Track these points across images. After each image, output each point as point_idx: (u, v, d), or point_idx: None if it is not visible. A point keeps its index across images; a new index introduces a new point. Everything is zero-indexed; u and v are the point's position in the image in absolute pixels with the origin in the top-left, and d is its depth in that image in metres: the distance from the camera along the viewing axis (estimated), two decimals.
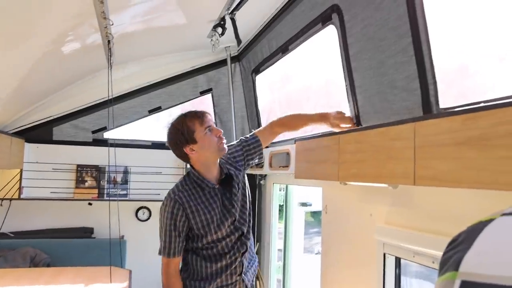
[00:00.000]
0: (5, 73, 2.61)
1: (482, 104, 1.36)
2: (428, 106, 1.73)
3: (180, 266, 1.97)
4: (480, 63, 1.78)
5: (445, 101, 1.71)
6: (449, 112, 1.43)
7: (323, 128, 2.36)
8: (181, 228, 1.86)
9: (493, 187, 1.16)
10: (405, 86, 1.83)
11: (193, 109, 1.93)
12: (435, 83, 1.71)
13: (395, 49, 1.85)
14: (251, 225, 2.04)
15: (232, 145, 2.12)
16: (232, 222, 1.92)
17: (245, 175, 2.10)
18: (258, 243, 3.91)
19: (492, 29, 1.64)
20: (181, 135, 1.83)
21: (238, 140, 2.16)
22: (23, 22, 2.12)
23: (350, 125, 2.12)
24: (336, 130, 2.12)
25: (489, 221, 0.63)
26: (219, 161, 1.96)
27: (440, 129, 1.36)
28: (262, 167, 2.85)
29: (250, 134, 2.21)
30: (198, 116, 1.85)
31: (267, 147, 3.67)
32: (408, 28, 1.75)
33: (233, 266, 1.96)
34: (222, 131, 1.92)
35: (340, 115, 2.15)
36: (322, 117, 2.16)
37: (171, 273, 1.90)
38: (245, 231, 1.97)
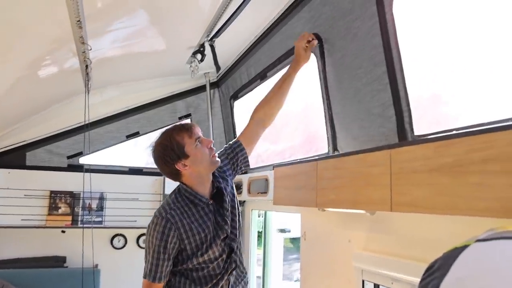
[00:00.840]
0: None
1: (454, 132, 1.40)
2: (403, 133, 1.77)
3: None
4: (451, 91, 1.84)
5: (419, 128, 1.75)
6: (423, 139, 1.46)
7: (302, 150, 2.37)
8: (171, 251, 1.71)
9: (467, 213, 1.18)
10: (381, 113, 1.87)
11: (180, 124, 1.83)
12: (409, 110, 1.76)
13: (371, 77, 1.90)
14: (240, 240, 1.92)
15: (218, 153, 1.96)
16: (223, 239, 1.79)
17: (233, 185, 1.98)
18: None
19: (462, 58, 1.71)
20: (171, 151, 1.70)
21: (223, 149, 2.04)
22: (0, 47, 2.09)
23: (312, 38, 2.05)
24: (308, 52, 2.04)
25: (464, 247, 0.64)
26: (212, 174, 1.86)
27: (415, 156, 1.39)
28: (246, 172, 2.77)
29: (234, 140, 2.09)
30: (186, 128, 1.74)
31: (245, 172, 3.67)
32: (383, 58, 1.80)
33: (219, 286, 1.83)
34: (213, 140, 1.82)
35: (301, 39, 2.05)
36: (293, 62, 2.06)
37: None
38: (235, 247, 1.84)
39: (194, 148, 1.72)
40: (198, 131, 1.77)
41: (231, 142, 2.07)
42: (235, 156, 1.99)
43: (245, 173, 3.69)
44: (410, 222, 1.72)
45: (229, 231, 1.82)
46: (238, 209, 1.92)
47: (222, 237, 1.79)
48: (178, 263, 1.79)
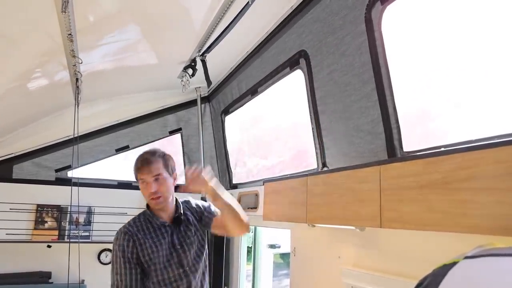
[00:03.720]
0: None
1: (442, 149, 1.41)
2: (393, 149, 1.78)
3: None
4: (439, 108, 1.86)
5: (408, 144, 1.77)
6: (412, 156, 1.47)
7: (293, 166, 2.37)
8: (135, 260, 1.80)
9: (455, 230, 1.18)
10: (370, 130, 1.89)
11: (148, 151, 1.93)
12: (398, 127, 1.78)
13: (359, 94, 1.92)
14: (206, 281, 1.98)
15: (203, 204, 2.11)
16: (181, 266, 1.86)
17: (205, 235, 2.04)
18: (226, 287, 3.80)
19: (450, 76, 1.74)
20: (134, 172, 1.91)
21: (203, 206, 2.10)
22: None
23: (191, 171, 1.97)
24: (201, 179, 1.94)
25: (453, 264, 0.64)
26: (177, 202, 1.99)
27: (404, 172, 1.40)
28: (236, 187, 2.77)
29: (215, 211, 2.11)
30: (137, 167, 1.87)
31: (235, 187, 3.65)
32: (371, 75, 1.83)
33: None
34: (154, 190, 1.84)
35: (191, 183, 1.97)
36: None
37: None
38: (192, 283, 1.88)
39: (140, 184, 1.88)
40: (148, 174, 1.83)
41: (208, 213, 2.08)
42: (204, 222, 2.04)
43: (235, 187, 3.68)
44: (399, 239, 1.73)
45: (189, 261, 1.89)
46: (205, 255, 1.99)
47: (178, 261, 1.86)
48: (144, 278, 1.84)
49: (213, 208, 2.10)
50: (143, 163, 1.87)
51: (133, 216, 1.98)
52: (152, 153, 1.90)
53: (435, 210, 1.25)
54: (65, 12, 1.77)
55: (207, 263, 2.01)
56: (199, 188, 1.93)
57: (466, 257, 0.65)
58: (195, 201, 2.12)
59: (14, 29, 1.93)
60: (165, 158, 1.93)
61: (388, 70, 1.78)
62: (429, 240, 1.54)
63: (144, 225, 1.89)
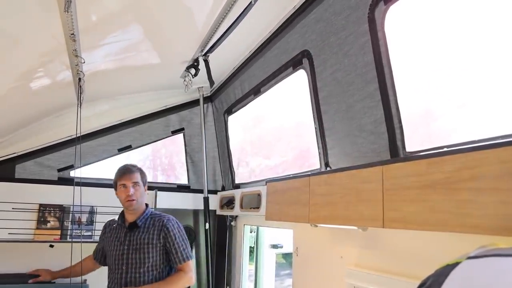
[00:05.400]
0: None
1: (445, 149, 1.41)
2: (395, 150, 1.78)
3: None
4: (443, 108, 1.86)
5: (411, 145, 1.76)
6: (415, 156, 1.47)
7: (296, 166, 2.38)
8: (100, 240, 2.61)
9: (457, 230, 1.18)
10: (373, 130, 1.89)
11: (128, 164, 2.41)
12: (401, 127, 1.77)
13: (362, 94, 1.92)
14: (146, 280, 2.32)
15: (174, 233, 2.44)
16: (121, 259, 2.31)
17: (159, 251, 2.39)
18: (228, 287, 3.80)
19: (452, 76, 1.73)
20: (113, 182, 2.39)
21: (174, 237, 2.43)
22: None
23: None
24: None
25: (455, 264, 0.64)
26: (148, 211, 2.43)
27: (407, 172, 1.39)
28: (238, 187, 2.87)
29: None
30: (120, 174, 2.33)
31: (238, 187, 3.66)
32: (374, 75, 1.82)
33: None
34: (131, 193, 2.30)
35: None
36: None
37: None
38: (123, 276, 2.29)
39: (118, 188, 2.35)
40: (129, 179, 2.31)
41: (178, 256, 2.43)
42: (169, 254, 2.42)
43: (237, 187, 3.68)
44: (402, 239, 1.72)
45: (129, 260, 2.30)
46: (153, 258, 2.34)
47: (119, 255, 2.33)
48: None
49: (181, 254, 2.43)
50: (126, 171, 2.34)
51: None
52: (133, 165, 2.41)
53: (438, 210, 1.24)
54: (67, 12, 1.77)
55: (157, 272, 2.34)
56: None
57: (469, 258, 0.65)
58: (174, 227, 2.45)
59: (17, 29, 1.93)
60: (142, 172, 2.45)
61: (391, 70, 1.78)
62: (432, 240, 1.53)
63: (113, 222, 2.45)
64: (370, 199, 1.54)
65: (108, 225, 2.49)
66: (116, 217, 2.51)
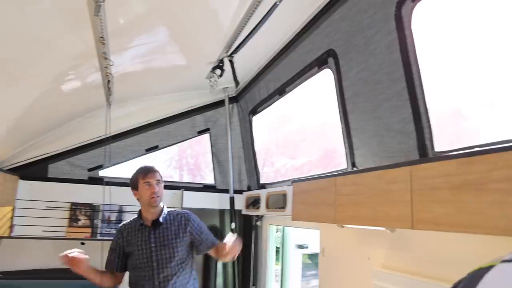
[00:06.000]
0: (4, 111, 2.63)
1: (477, 149, 1.37)
2: (424, 150, 1.75)
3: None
4: (472, 107, 1.81)
5: (440, 145, 1.73)
6: (445, 156, 1.44)
7: (321, 166, 2.37)
8: (114, 246, 2.45)
9: (489, 232, 1.15)
10: (401, 129, 1.86)
11: (147, 165, 2.44)
12: (430, 126, 1.74)
13: (390, 93, 1.89)
14: (175, 274, 2.34)
15: (195, 221, 2.47)
16: (150, 258, 2.32)
17: (184, 243, 2.39)
18: (254, 286, 3.81)
19: (483, 74, 1.69)
20: (132, 182, 2.40)
21: (199, 229, 2.45)
22: (24, 61, 2.16)
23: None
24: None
25: (489, 267, 0.62)
26: (165, 210, 2.44)
27: (436, 172, 1.36)
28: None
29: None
30: (145, 172, 2.38)
31: (263, 187, 3.66)
32: (402, 73, 1.79)
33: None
34: (157, 190, 2.35)
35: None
36: (220, 253, 2.41)
37: None
38: (155, 274, 2.32)
39: (142, 186, 2.36)
40: (152, 178, 2.37)
41: (207, 238, 2.45)
42: (195, 240, 2.42)
43: (263, 187, 3.69)
44: (431, 240, 1.69)
45: (158, 258, 2.33)
46: (181, 256, 2.37)
47: (147, 254, 2.34)
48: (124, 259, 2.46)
49: (211, 237, 2.48)
50: (149, 170, 2.40)
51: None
52: (153, 166, 2.47)
53: (469, 212, 1.22)
54: (97, 16, 1.82)
55: (184, 264, 2.38)
56: (231, 256, 2.35)
57: (504, 261, 0.63)
58: (196, 219, 2.50)
59: (49, 33, 1.99)
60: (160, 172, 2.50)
61: (418, 68, 1.74)
62: (463, 242, 1.50)
63: (133, 223, 2.44)
64: (398, 199, 1.52)
65: (124, 229, 2.45)
66: (126, 221, 2.52)
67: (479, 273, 0.62)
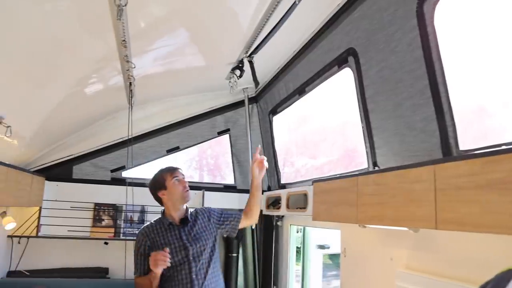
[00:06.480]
0: (31, 114, 2.70)
1: (503, 147, 1.34)
2: (448, 148, 1.71)
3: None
4: (497, 104, 1.77)
5: (464, 143, 1.69)
6: (469, 155, 1.41)
7: (341, 165, 2.35)
8: (142, 251, 2.34)
9: None
10: (423, 128, 1.83)
11: (170, 166, 2.44)
12: (454, 124, 1.70)
13: (412, 91, 1.86)
14: (208, 265, 2.35)
15: (214, 210, 2.55)
16: (185, 254, 2.30)
17: (214, 232, 2.44)
18: (275, 286, 3.81)
19: (509, 70, 1.65)
20: (157, 183, 2.37)
21: (220, 211, 2.55)
22: (49, 66, 2.22)
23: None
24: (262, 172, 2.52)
25: None
26: (185, 206, 2.43)
27: (461, 172, 1.34)
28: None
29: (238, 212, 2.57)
30: (170, 170, 2.39)
31: (284, 187, 3.66)
32: (424, 71, 1.76)
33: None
34: (187, 184, 2.38)
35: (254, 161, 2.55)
36: (253, 178, 2.53)
37: None
38: (193, 268, 2.30)
39: (172, 184, 2.35)
40: (180, 174, 2.39)
41: (231, 213, 2.54)
42: (222, 223, 2.49)
43: (283, 187, 3.68)
44: (456, 240, 1.65)
45: (194, 253, 2.32)
46: (212, 247, 2.40)
47: (184, 252, 2.31)
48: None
49: (230, 213, 2.54)
50: (175, 167, 2.41)
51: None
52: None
53: (495, 212, 1.19)
54: (120, 20, 1.85)
55: (213, 255, 2.39)
56: (258, 172, 2.49)
57: None
58: (212, 208, 2.57)
59: (72, 37, 2.04)
60: None
61: (442, 65, 1.71)
62: (489, 243, 1.46)
63: (157, 225, 2.39)
64: (422, 199, 1.50)
65: (150, 231, 2.37)
66: (147, 224, 2.45)
67: (508, 275, 0.61)
